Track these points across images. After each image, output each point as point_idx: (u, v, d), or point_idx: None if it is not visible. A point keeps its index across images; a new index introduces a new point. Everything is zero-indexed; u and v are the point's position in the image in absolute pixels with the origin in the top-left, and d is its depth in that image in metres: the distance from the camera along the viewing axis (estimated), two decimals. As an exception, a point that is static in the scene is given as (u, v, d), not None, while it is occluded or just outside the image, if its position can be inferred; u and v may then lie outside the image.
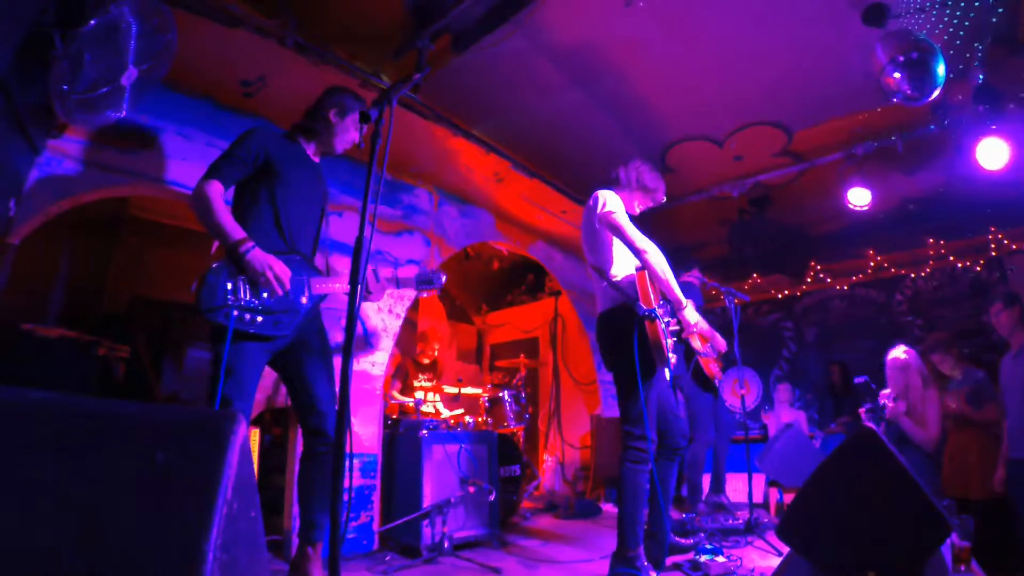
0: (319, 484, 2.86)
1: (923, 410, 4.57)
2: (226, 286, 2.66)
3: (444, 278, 3.31)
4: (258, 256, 2.68)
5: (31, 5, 2.67)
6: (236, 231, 2.70)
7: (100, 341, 3.89)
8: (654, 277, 3.26)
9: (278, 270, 2.72)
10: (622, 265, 3.43)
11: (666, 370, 3.30)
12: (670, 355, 3.25)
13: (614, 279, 3.39)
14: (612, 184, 3.69)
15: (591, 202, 3.52)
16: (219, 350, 2.60)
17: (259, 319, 2.69)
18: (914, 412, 4.57)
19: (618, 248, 3.47)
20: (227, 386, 2.60)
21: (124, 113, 2.99)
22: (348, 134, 3.15)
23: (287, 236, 2.91)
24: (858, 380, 4.78)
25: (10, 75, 2.61)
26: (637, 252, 3.31)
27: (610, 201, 3.44)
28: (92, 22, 2.77)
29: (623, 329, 3.21)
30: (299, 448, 2.94)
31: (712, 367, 5.09)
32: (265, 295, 2.72)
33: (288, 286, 2.76)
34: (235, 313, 2.62)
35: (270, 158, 2.90)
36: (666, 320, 3.30)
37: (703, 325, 3.47)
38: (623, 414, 3.30)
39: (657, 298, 3.26)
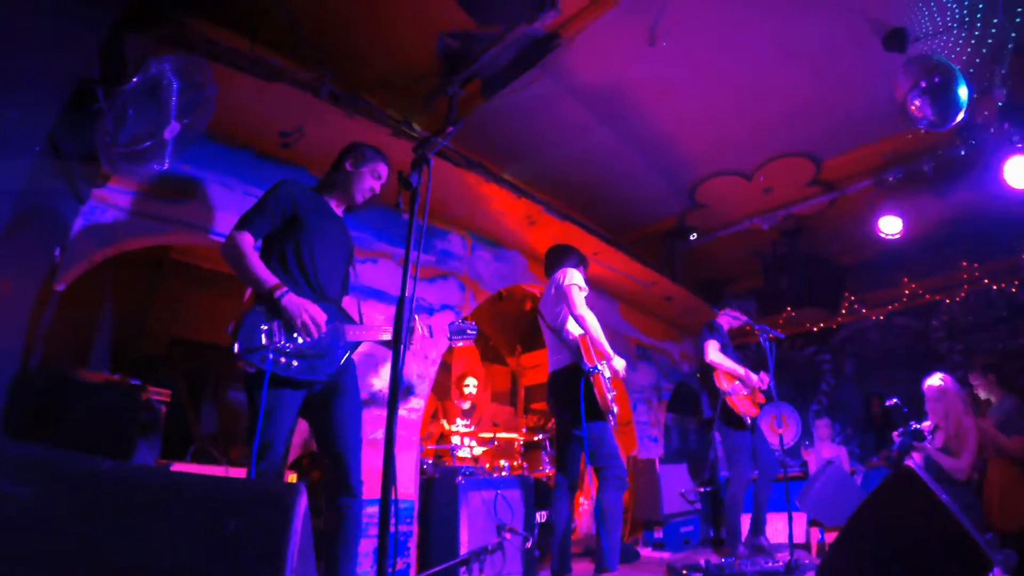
0: (344, 543, 2.84)
1: (961, 437, 4.43)
2: (263, 329, 2.67)
3: (476, 329, 3.43)
4: (293, 300, 2.71)
5: (78, 62, 2.79)
6: (270, 278, 2.73)
7: (144, 385, 3.97)
8: (588, 335, 3.90)
9: (314, 313, 2.74)
10: (574, 328, 4.04)
11: (610, 416, 3.90)
12: (612, 406, 3.92)
13: (568, 338, 4.03)
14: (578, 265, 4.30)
15: (559, 275, 4.14)
16: (255, 395, 2.62)
17: (295, 363, 2.70)
18: (951, 441, 4.44)
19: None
20: (266, 432, 2.62)
21: (167, 165, 3.08)
22: (365, 182, 3.17)
23: (315, 285, 2.94)
24: (889, 403, 4.68)
25: (58, 128, 2.70)
26: (577, 318, 3.96)
27: (575, 276, 4.08)
28: (135, 80, 2.88)
29: (573, 383, 3.82)
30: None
31: (743, 405, 5.01)
32: (300, 340, 2.74)
33: (324, 329, 2.79)
34: (271, 356, 2.63)
35: (298, 210, 2.94)
36: (607, 375, 3.96)
37: (619, 366, 4.04)
38: (590, 456, 3.87)
39: (600, 357, 3.92)
